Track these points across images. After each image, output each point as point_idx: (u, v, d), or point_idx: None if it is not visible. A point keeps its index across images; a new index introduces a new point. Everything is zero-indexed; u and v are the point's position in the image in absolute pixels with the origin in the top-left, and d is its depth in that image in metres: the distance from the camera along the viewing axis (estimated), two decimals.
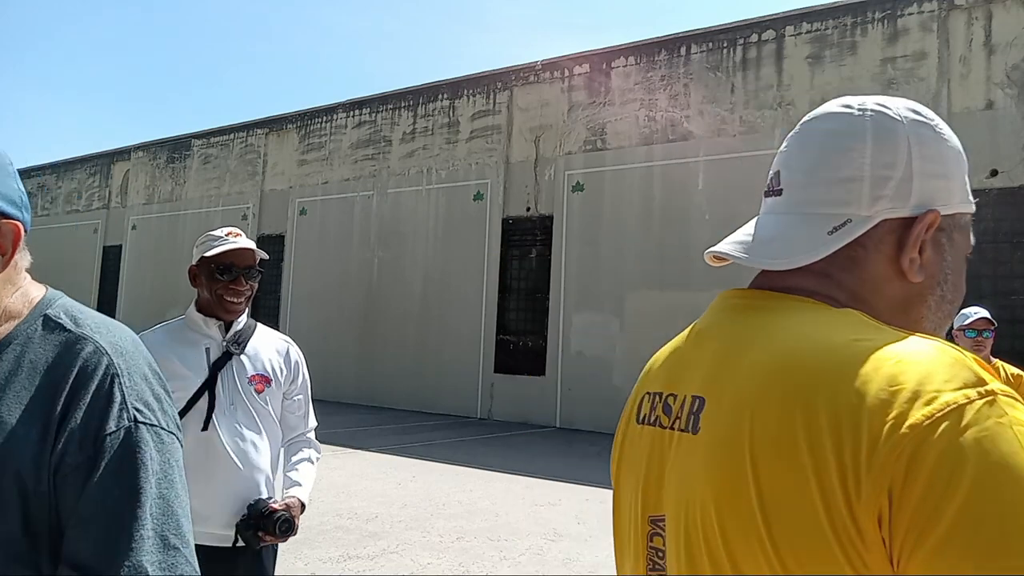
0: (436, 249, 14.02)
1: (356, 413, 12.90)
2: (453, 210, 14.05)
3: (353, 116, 16.06)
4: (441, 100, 14.71)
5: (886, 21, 10.30)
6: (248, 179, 17.78)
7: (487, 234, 13.54)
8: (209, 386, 2.14)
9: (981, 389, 0.58)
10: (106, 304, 20.37)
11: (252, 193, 17.59)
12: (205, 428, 2.09)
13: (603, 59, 12.73)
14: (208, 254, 2.12)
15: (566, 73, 13.15)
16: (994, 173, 9.38)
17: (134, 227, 20.21)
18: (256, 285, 2.23)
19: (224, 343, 2.18)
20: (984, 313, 4.00)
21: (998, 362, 3.97)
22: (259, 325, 2.32)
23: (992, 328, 3.96)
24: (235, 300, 2.16)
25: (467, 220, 13.76)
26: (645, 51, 12.34)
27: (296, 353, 2.34)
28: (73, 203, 22.19)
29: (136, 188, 20.51)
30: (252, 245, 2.21)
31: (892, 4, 10.27)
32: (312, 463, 2.34)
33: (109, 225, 20.86)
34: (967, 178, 0.81)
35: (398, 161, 15.14)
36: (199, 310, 2.21)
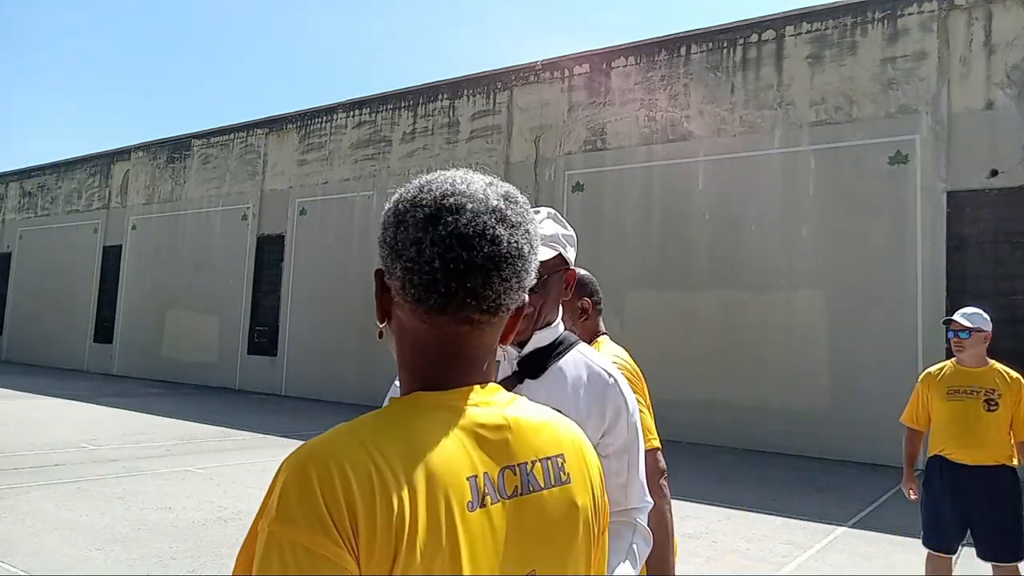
0: None
1: (357, 413, 12.78)
2: None
3: (353, 116, 16.06)
4: (441, 100, 14.72)
5: (886, 21, 10.30)
6: (248, 179, 17.78)
7: None
8: None
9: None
10: (106, 304, 20.37)
11: (252, 193, 17.59)
12: None
13: (603, 59, 12.73)
14: None
15: (566, 73, 13.15)
16: (994, 173, 9.38)
17: (134, 227, 20.21)
18: (540, 300, 1.64)
19: (515, 361, 1.66)
20: (969, 311, 3.94)
21: (995, 364, 3.95)
22: (580, 346, 1.72)
23: (969, 330, 3.89)
24: None
25: None
26: (645, 51, 12.34)
27: (620, 391, 1.63)
28: (73, 203, 22.18)
29: (136, 188, 20.50)
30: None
31: (892, 4, 10.27)
32: (631, 560, 1.58)
33: (109, 225, 20.86)
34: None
35: (398, 161, 15.14)
36: None
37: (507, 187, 0.89)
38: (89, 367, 20.06)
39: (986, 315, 3.92)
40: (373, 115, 15.75)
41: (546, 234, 1.63)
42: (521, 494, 0.81)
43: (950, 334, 3.98)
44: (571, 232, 1.71)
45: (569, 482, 0.85)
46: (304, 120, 16.93)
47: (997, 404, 3.80)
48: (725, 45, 11.57)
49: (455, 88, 14.57)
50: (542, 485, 0.83)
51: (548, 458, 0.84)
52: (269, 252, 17.08)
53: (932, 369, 4.15)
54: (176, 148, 19.67)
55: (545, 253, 1.58)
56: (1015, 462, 3.83)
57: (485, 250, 0.81)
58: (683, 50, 11.94)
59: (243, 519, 5.67)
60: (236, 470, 7.78)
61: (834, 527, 6.26)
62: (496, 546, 0.78)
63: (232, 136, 18.39)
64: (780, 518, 6.50)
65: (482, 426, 0.81)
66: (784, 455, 9.75)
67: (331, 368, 14.92)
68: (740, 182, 11.07)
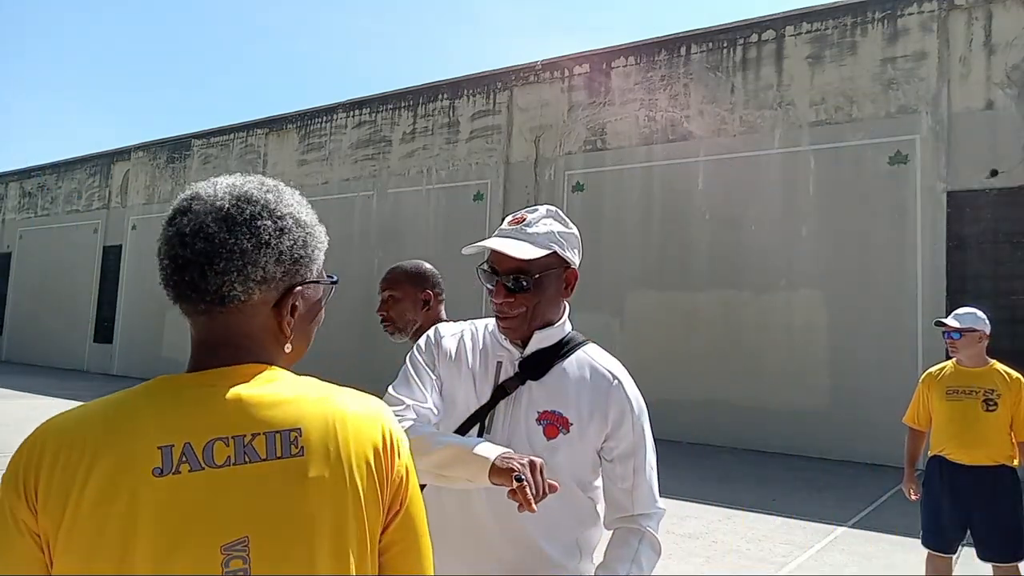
0: (436, 249, 14.01)
1: None
2: (453, 210, 14.05)
3: (353, 116, 16.06)
4: (441, 100, 14.72)
5: (886, 21, 10.30)
6: None
7: (487, 234, 13.48)
8: (482, 414, 1.60)
9: None
10: (106, 304, 20.36)
11: None
12: None
13: (603, 59, 12.73)
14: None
15: (566, 73, 13.15)
16: (994, 173, 9.38)
17: (134, 227, 20.20)
18: (533, 300, 1.60)
19: (517, 361, 1.62)
20: (961, 312, 3.93)
21: (996, 364, 3.95)
22: (588, 347, 1.66)
23: (960, 331, 3.87)
24: (501, 313, 1.63)
25: (467, 220, 13.75)
26: (645, 51, 12.34)
27: (625, 392, 1.59)
28: (73, 203, 22.18)
29: (136, 188, 20.51)
30: (511, 248, 1.58)
31: (892, 4, 10.26)
32: (636, 568, 1.52)
33: (109, 225, 20.86)
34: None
35: (398, 161, 15.15)
36: None
37: (251, 188, 0.97)
38: (89, 367, 20.05)
39: (981, 314, 3.88)
40: (373, 115, 15.75)
41: (540, 233, 1.61)
42: (235, 463, 0.87)
43: (945, 336, 3.97)
44: (572, 230, 1.67)
45: (301, 455, 0.89)
46: (304, 120, 16.94)
47: (996, 404, 3.79)
48: (725, 45, 11.57)
49: (455, 88, 14.57)
50: (262, 456, 0.88)
51: (276, 432, 0.89)
52: None
53: (933, 369, 4.15)
54: (176, 148, 19.67)
55: (534, 252, 1.57)
56: (1015, 462, 3.83)
57: (198, 247, 0.91)
58: (683, 50, 11.94)
59: None
60: None
61: (834, 527, 6.25)
62: (195, 510, 0.84)
63: (232, 136, 18.39)
64: (780, 518, 6.50)
65: (200, 401, 0.88)
66: (784, 455, 9.74)
67: (331, 368, 14.90)
68: (740, 182, 11.06)
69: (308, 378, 0.98)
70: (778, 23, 11.15)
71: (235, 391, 0.90)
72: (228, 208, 0.93)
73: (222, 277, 0.92)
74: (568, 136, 12.94)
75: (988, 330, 3.89)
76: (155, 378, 0.93)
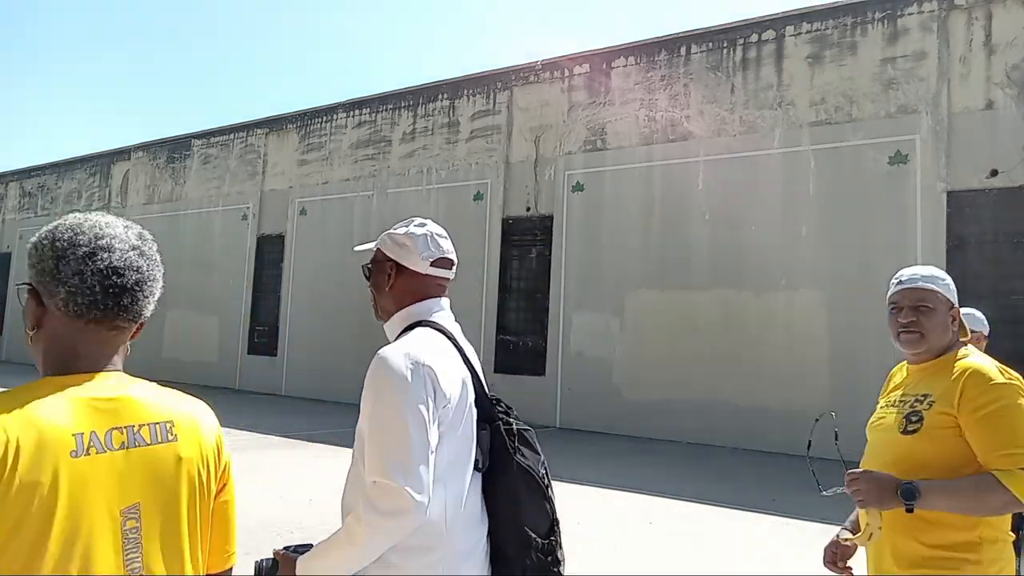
0: None
1: (356, 412, 12.86)
2: (453, 210, 14.05)
3: (353, 116, 16.06)
4: (441, 100, 14.71)
5: (886, 21, 10.30)
6: (248, 179, 17.78)
7: (487, 234, 13.54)
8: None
9: None
10: None
11: (252, 193, 17.60)
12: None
13: (603, 59, 12.73)
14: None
15: (566, 73, 13.15)
16: (994, 173, 9.38)
17: None
18: (371, 289, 1.85)
19: None
20: (974, 312, 3.89)
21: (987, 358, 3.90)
22: (405, 336, 1.74)
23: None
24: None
25: (467, 220, 13.75)
26: (645, 51, 12.34)
27: (376, 370, 1.66)
28: (73, 203, 22.17)
29: (136, 188, 20.51)
30: (364, 246, 1.92)
31: (892, 4, 10.27)
32: (341, 532, 1.57)
33: None
34: None
35: (398, 161, 15.14)
36: None
37: (139, 228, 1.24)
38: None
39: (979, 314, 3.83)
40: (373, 115, 15.75)
41: (383, 235, 1.85)
42: (128, 447, 1.13)
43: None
44: (411, 230, 1.80)
45: (176, 440, 1.19)
46: (304, 120, 16.93)
47: None
48: (725, 45, 11.57)
49: (455, 88, 14.56)
50: (148, 441, 1.15)
51: (156, 423, 1.17)
52: (269, 252, 17.08)
53: None
54: (176, 148, 19.67)
55: (368, 249, 1.88)
56: None
57: (133, 277, 1.17)
58: (683, 50, 11.94)
59: (243, 518, 5.66)
60: (235, 470, 7.77)
61: (835, 527, 6.25)
62: (105, 483, 1.09)
63: (232, 136, 18.39)
64: (780, 518, 6.50)
65: (96, 399, 1.12)
66: (784, 455, 9.74)
67: (331, 368, 14.91)
68: (740, 182, 11.06)
69: (161, 386, 1.26)
70: (778, 23, 11.15)
71: (121, 393, 1.16)
72: (141, 246, 1.21)
73: (146, 299, 1.20)
74: (568, 136, 12.94)
75: (987, 331, 3.86)
76: (46, 377, 1.16)
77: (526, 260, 13.26)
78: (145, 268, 1.19)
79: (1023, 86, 9.37)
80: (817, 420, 2.48)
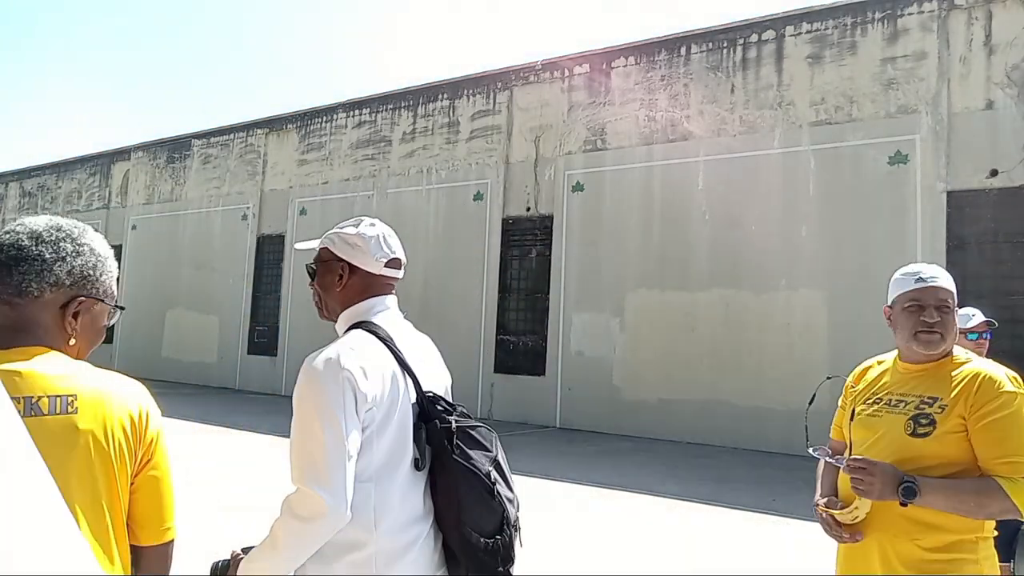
0: (436, 249, 14.02)
1: None
2: (453, 210, 14.05)
3: (353, 116, 16.06)
4: (441, 100, 14.72)
5: (886, 21, 10.30)
6: (248, 179, 17.78)
7: (487, 234, 13.54)
8: None
9: None
10: None
11: (252, 193, 17.60)
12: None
13: (603, 59, 12.73)
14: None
15: (566, 73, 13.15)
16: (994, 173, 9.38)
17: (134, 227, 20.21)
18: (316, 288, 1.89)
19: None
20: (982, 316, 3.92)
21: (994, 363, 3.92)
22: (344, 337, 1.81)
23: (991, 329, 3.89)
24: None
25: (467, 220, 13.76)
26: (645, 51, 12.34)
27: (301, 374, 1.75)
28: (73, 203, 22.18)
29: (136, 188, 20.51)
30: (306, 244, 1.97)
31: (892, 4, 10.27)
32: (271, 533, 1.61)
33: (109, 225, 20.85)
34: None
35: (398, 161, 15.15)
36: None
37: (64, 222, 1.35)
38: None
39: (973, 311, 3.86)
40: (373, 115, 15.75)
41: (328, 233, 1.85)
42: (24, 416, 1.16)
43: (972, 336, 3.90)
44: (362, 231, 1.81)
45: (75, 412, 1.23)
46: (304, 120, 16.93)
47: None
48: (725, 45, 11.57)
49: (455, 88, 14.57)
50: (45, 412, 1.20)
51: (56, 396, 1.22)
52: (269, 252, 17.08)
53: None
54: (176, 148, 19.67)
55: (308, 245, 1.92)
56: None
57: (10, 253, 1.28)
58: (683, 50, 11.94)
59: (243, 517, 5.67)
60: (236, 470, 7.78)
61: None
62: None
63: (232, 136, 18.39)
64: (780, 518, 6.50)
65: (2, 371, 1.19)
66: (784, 455, 9.75)
67: None
68: (740, 182, 11.07)
69: (85, 363, 1.31)
70: (778, 23, 11.15)
71: (28, 364, 1.22)
72: (40, 231, 1.32)
73: (21, 276, 1.27)
74: (568, 136, 12.94)
75: (987, 332, 3.89)
76: None
77: (526, 260, 13.26)
78: (28, 248, 1.28)
79: (1023, 86, 9.38)
80: (829, 378, 2.53)
